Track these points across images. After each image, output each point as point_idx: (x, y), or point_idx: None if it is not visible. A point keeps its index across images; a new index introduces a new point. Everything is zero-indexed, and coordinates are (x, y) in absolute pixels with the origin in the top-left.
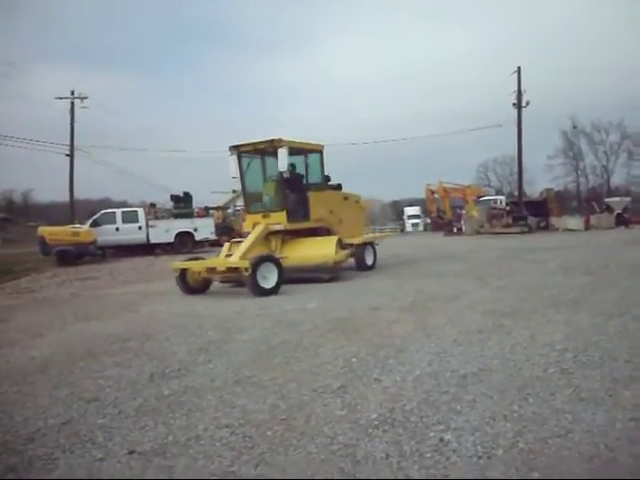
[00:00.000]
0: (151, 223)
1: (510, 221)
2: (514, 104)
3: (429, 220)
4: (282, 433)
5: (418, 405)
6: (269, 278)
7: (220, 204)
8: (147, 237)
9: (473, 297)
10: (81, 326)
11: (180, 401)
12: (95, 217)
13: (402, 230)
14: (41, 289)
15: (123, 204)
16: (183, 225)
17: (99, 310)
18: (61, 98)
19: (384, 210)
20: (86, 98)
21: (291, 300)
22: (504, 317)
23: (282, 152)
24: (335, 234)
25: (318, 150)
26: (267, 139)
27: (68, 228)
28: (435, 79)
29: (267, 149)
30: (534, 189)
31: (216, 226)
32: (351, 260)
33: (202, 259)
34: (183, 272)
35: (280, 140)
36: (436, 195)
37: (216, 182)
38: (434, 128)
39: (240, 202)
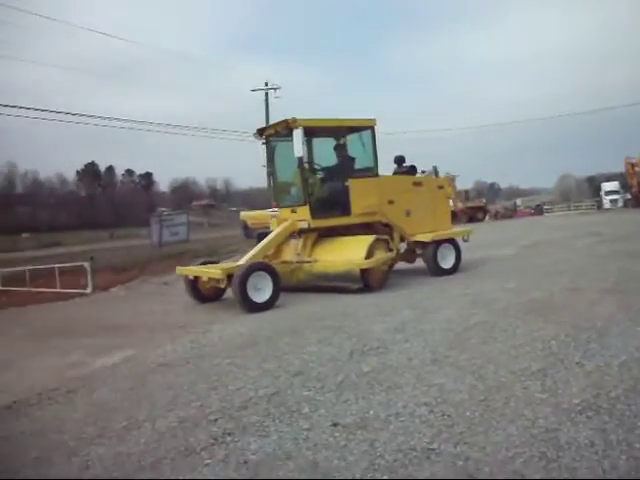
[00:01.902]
0: None
1: None
2: None
3: (629, 196)
4: (481, 414)
5: (625, 392)
6: (263, 290)
7: None
8: None
9: None
10: (282, 305)
11: (379, 378)
12: None
13: (599, 207)
14: None
15: None
16: None
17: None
18: (256, 90)
19: (579, 186)
20: (279, 88)
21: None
22: None
23: (297, 134)
24: (400, 230)
25: (367, 127)
26: (281, 120)
27: (267, 212)
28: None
29: (282, 131)
30: None
31: None
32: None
33: (215, 263)
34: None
35: (295, 120)
36: (637, 168)
37: None
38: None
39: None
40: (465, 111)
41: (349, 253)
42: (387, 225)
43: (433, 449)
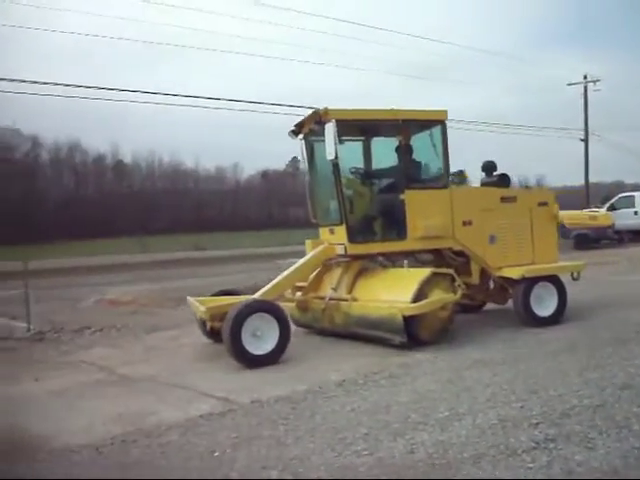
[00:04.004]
0: None
1: None
2: None
3: None
4: None
5: None
6: (264, 338)
7: None
8: None
9: None
10: (606, 311)
11: None
12: (612, 201)
13: None
14: None
15: (636, 187)
16: None
17: (628, 297)
18: (573, 84)
19: None
20: (598, 81)
21: None
22: None
23: (329, 129)
24: (480, 261)
25: (434, 121)
26: (313, 111)
27: (585, 212)
28: None
29: (315, 128)
30: None
31: None
32: None
33: (237, 294)
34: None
35: (326, 111)
36: None
37: None
38: None
39: None
40: None
41: (394, 292)
42: (462, 254)
43: None
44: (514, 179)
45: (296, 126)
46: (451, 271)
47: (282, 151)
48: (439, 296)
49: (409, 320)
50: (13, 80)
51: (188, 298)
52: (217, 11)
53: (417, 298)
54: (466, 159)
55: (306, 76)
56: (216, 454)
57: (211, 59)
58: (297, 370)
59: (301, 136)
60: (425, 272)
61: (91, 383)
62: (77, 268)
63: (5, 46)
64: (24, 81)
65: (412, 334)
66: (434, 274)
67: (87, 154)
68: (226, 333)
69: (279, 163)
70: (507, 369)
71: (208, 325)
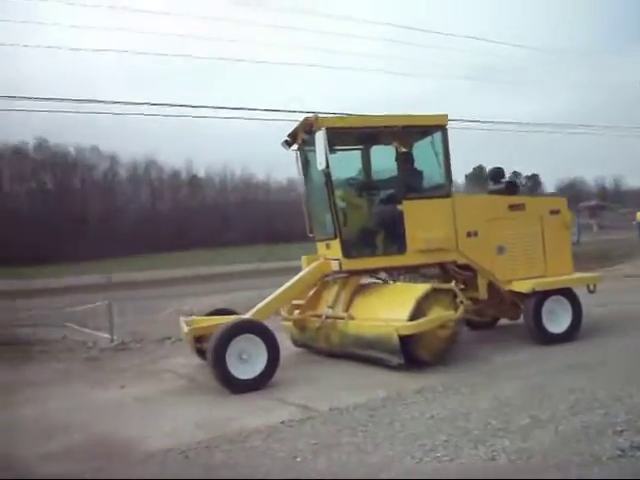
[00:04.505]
0: None
1: None
2: None
3: None
4: None
5: None
6: (251, 361)
7: None
8: None
9: None
10: None
11: None
12: None
13: None
14: None
15: None
16: None
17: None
18: None
19: None
20: None
21: None
22: None
23: (319, 138)
24: (488, 274)
25: (434, 127)
26: (304, 119)
27: None
28: None
29: (307, 137)
30: None
31: None
32: None
33: (230, 313)
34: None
35: (316, 119)
36: None
37: None
38: None
39: None
40: None
41: (390, 310)
42: (468, 267)
43: None
44: (590, 181)
45: (289, 136)
46: (452, 286)
47: None
48: (438, 314)
49: (406, 340)
50: (95, 101)
51: (180, 318)
52: (285, 25)
53: (414, 316)
54: (545, 162)
55: (373, 86)
56: (298, 459)
57: (278, 72)
58: (376, 377)
59: (295, 147)
60: (424, 288)
61: (174, 390)
62: (155, 280)
63: (87, 69)
64: (100, 101)
65: (410, 354)
66: (434, 290)
67: (162, 171)
68: (210, 356)
69: None
70: (589, 376)
71: (194, 346)
